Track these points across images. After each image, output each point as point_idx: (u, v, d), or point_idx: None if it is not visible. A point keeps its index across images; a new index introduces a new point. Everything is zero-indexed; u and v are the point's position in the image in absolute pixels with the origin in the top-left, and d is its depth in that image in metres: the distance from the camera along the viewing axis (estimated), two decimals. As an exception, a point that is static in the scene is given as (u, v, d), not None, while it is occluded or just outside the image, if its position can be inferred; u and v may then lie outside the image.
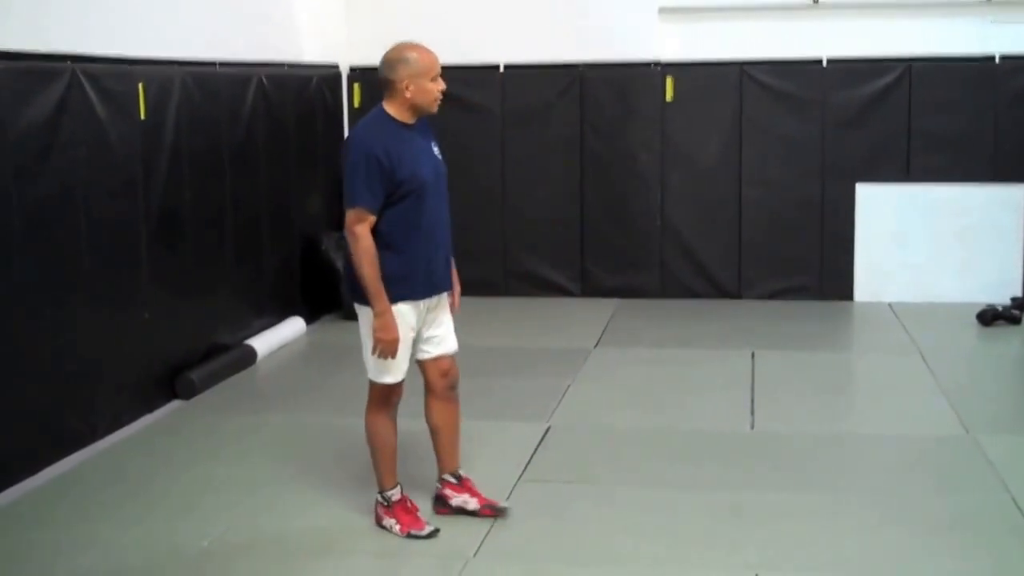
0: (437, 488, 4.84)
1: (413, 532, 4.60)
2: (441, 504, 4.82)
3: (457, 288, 4.76)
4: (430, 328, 4.65)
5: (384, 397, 4.60)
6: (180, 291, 6.77)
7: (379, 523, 4.70)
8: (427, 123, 4.61)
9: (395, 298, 4.44)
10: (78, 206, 5.79)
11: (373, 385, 4.61)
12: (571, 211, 9.39)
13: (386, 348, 4.43)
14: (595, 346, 7.85)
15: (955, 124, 8.87)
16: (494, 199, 9.43)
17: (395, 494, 4.66)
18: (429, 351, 4.68)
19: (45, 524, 4.85)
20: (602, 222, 9.36)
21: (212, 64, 7.27)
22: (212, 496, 5.13)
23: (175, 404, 6.58)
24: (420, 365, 4.72)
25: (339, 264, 8.39)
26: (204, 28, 7.26)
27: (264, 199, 7.92)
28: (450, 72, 9.05)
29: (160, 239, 6.53)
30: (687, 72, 9.17)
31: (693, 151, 9.21)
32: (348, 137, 4.67)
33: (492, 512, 4.78)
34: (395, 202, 4.40)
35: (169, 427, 6.22)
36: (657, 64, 9.20)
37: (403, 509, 4.66)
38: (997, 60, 8.86)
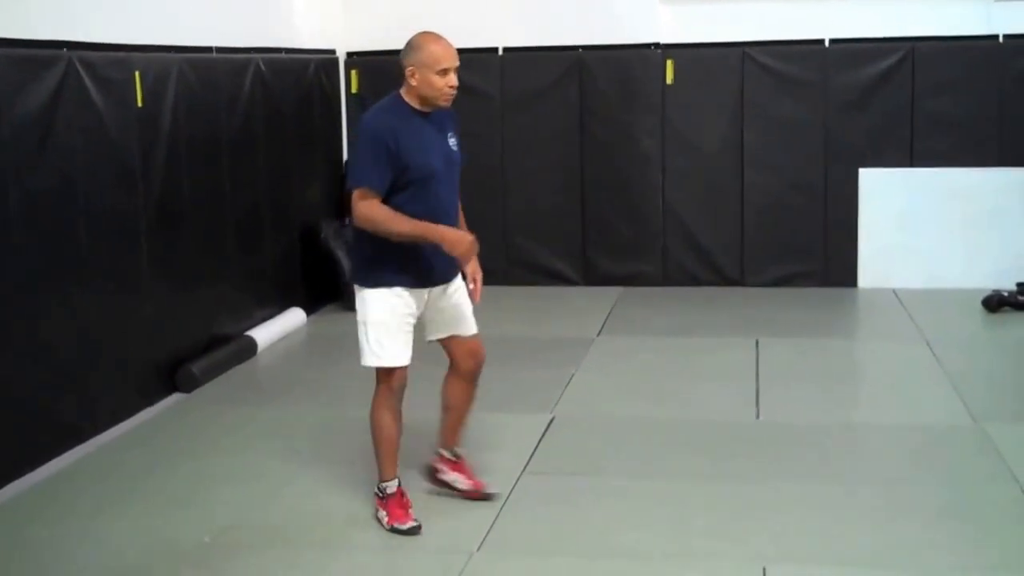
0: (432, 460, 4.87)
1: (396, 526, 4.56)
2: (430, 476, 4.87)
3: (478, 276, 4.65)
4: (452, 310, 4.66)
5: (385, 383, 4.56)
6: (180, 281, 6.71)
7: (376, 515, 4.66)
8: (448, 115, 4.53)
9: (393, 283, 4.44)
10: (76, 196, 5.72)
11: (376, 372, 4.57)
12: (572, 197, 9.31)
13: (468, 249, 4.40)
14: (598, 335, 7.79)
15: (959, 106, 8.80)
16: (494, 185, 9.34)
17: (391, 486, 4.62)
18: (458, 332, 4.70)
19: (44, 519, 4.79)
20: (604, 209, 9.29)
21: (209, 50, 7.19)
22: (213, 490, 5.08)
23: (176, 397, 6.52)
24: (447, 345, 4.73)
25: (339, 253, 8.31)
26: (200, 14, 7.19)
27: (263, 187, 7.85)
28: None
29: (159, 228, 6.46)
30: (688, 54, 9.08)
31: (694, 135, 9.13)
32: (360, 119, 4.63)
33: (480, 496, 4.81)
34: (401, 188, 4.35)
35: (170, 420, 6.16)
36: (657, 46, 9.12)
37: (396, 503, 4.61)
38: (1001, 40, 8.77)
